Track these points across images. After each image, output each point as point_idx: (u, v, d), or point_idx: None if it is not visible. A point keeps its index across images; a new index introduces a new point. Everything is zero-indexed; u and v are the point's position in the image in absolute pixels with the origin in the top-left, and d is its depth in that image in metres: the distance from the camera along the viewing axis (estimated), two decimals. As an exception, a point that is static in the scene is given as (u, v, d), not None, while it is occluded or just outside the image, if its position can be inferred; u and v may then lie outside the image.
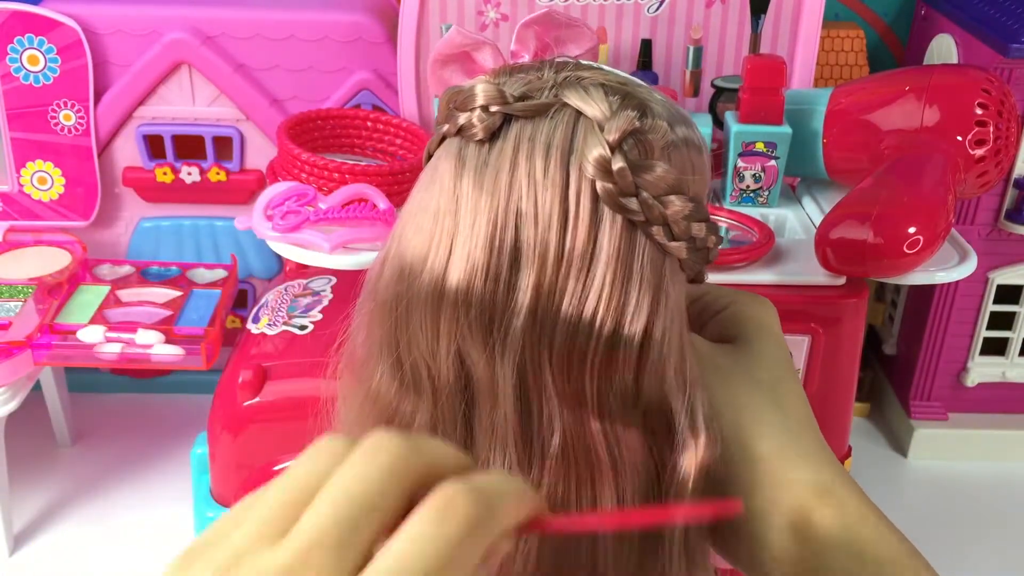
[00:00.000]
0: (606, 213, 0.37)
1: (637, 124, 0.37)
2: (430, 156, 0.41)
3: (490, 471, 0.29)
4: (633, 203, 0.37)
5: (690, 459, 0.39)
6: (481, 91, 0.38)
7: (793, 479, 0.40)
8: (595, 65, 0.40)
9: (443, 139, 0.40)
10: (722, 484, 0.40)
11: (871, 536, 0.39)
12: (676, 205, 0.38)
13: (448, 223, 0.37)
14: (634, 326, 0.37)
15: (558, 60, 0.40)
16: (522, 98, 0.38)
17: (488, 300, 0.37)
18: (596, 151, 0.36)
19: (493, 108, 0.38)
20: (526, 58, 0.40)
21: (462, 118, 0.38)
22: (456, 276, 0.37)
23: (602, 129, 0.37)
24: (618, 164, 0.36)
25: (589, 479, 0.38)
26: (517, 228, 0.37)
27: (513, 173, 0.37)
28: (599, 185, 0.36)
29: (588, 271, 0.37)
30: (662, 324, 0.38)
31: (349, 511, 0.25)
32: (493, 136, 0.38)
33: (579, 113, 0.37)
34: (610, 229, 0.37)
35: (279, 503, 0.27)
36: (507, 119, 0.38)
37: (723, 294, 0.47)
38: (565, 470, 0.38)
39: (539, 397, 0.37)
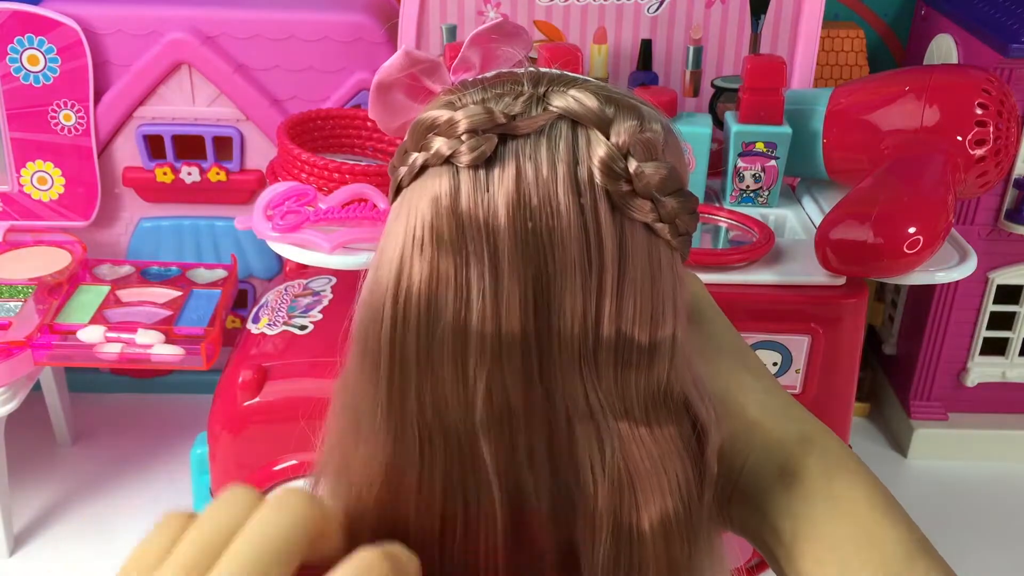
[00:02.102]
0: (623, 220, 0.36)
1: (638, 125, 0.36)
2: (400, 189, 0.38)
3: (390, 545, 0.32)
4: (648, 205, 0.36)
5: (713, 445, 0.39)
6: (466, 114, 0.36)
7: (782, 435, 0.42)
8: (568, 74, 0.39)
9: (421, 170, 0.37)
10: (724, 454, 0.41)
11: (848, 478, 0.41)
12: (679, 202, 0.37)
13: (453, 257, 0.35)
14: (667, 327, 0.37)
15: (530, 71, 0.38)
16: (514, 116, 0.36)
17: (522, 332, 0.35)
18: (605, 158, 0.35)
19: (485, 130, 0.35)
20: (476, 68, 0.39)
21: (447, 145, 0.36)
22: (479, 313, 0.35)
23: (607, 135, 0.36)
24: (633, 166, 0.36)
25: (637, 492, 0.37)
26: (539, 251, 0.35)
27: (520, 194, 0.35)
28: (613, 191, 0.35)
29: (619, 280, 0.36)
30: (682, 321, 0.38)
31: (261, 556, 0.29)
32: (489, 160, 0.35)
33: (575, 123, 0.36)
34: (631, 234, 0.36)
35: (196, 548, 0.30)
36: (502, 140, 0.35)
37: None
38: (620, 488, 0.37)
39: (587, 420, 0.36)
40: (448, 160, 0.36)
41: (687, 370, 0.39)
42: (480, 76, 0.40)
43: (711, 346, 0.44)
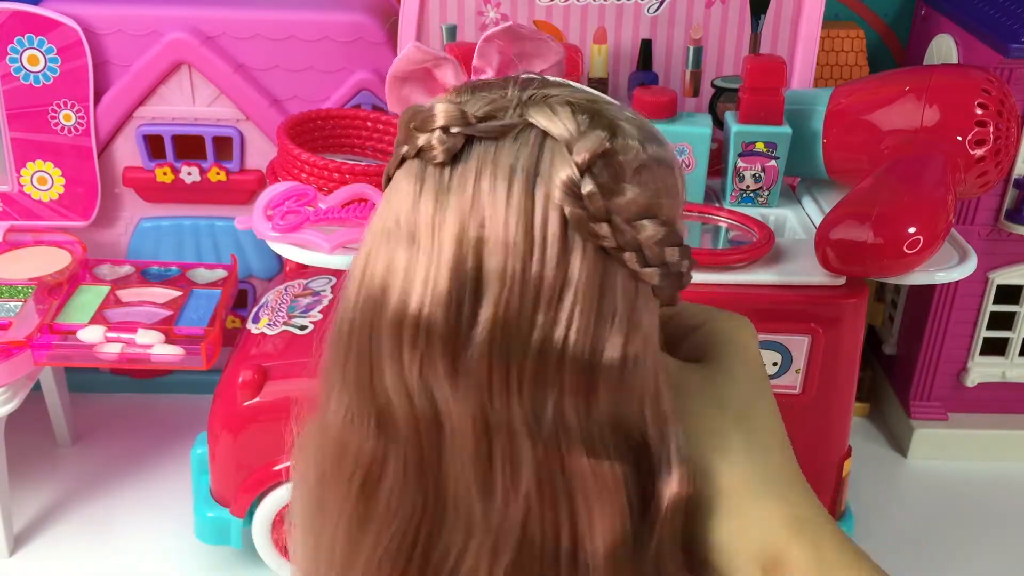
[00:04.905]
0: (576, 239, 0.35)
1: (607, 144, 0.35)
2: (389, 179, 0.39)
3: None
4: (604, 229, 0.35)
5: (667, 492, 0.37)
6: (442, 111, 0.36)
7: (762, 513, 0.38)
8: (562, 82, 0.39)
9: (403, 161, 0.38)
10: (691, 516, 0.38)
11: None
12: (649, 230, 0.36)
13: (408, 249, 0.36)
14: (606, 356, 0.36)
15: (523, 77, 0.38)
16: (485, 118, 0.36)
17: (450, 330, 0.35)
18: (564, 174, 0.35)
19: (454, 129, 0.36)
20: (489, 74, 0.39)
21: (422, 139, 0.36)
22: (417, 304, 0.35)
23: (570, 151, 0.35)
24: (588, 187, 0.34)
25: (567, 513, 0.36)
26: (481, 256, 0.35)
27: (476, 198, 0.35)
28: (568, 210, 0.35)
29: (558, 300, 0.35)
30: (635, 353, 0.36)
31: None
32: (455, 159, 0.36)
33: (545, 134, 0.35)
34: (580, 256, 0.35)
35: None
36: (469, 140, 0.36)
37: (698, 312, 0.44)
38: (539, 506, 0.36)
39: (504, 430, 0.36)
40: (420, 154, 0.36)
41: (650, 405, 0.37)
42: (486, 78, 0.40)
43: (707, 395, 0.41)
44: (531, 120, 0.36)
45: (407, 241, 0.36)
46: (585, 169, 0.35)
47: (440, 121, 0.36)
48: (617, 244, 0.35)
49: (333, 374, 0.39)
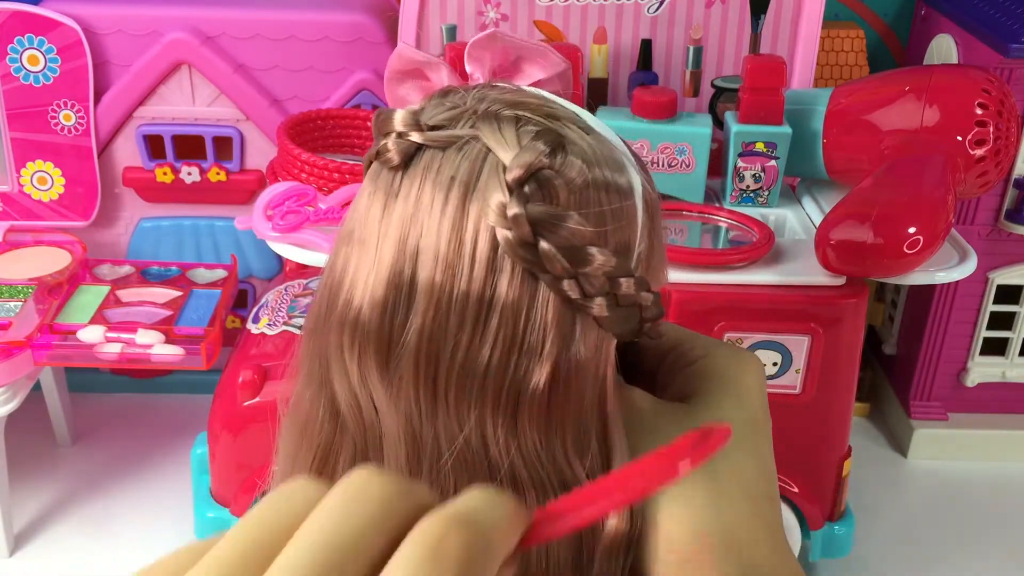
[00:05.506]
0: (505, 261, 0.34)
1: (544, 161, 0.34)
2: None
3: (474, 493, 0.24)
4: (533, 253, 0.34)
5: (605, 527, 0.36)
6: (399, 116, 0.36)
7: (711, 573, 0.35)
8: (537, 95, 0.37)
9: (368, 164, 0.38)
10: (641, 560, 0.37)
11: None
12: (597, 259, 0.34)
13: (358, 250, 0.36)
14: (531, 384, 0.35)
15: (491, 86, 0.37)
16: (437, 127, 0.35)
17: (383, 335, 0.35)
18: (496, 193, 0.34)
19: (405, 135, 0.35)
20: (479, 78, 0.38)
21: (380, 142, 0.36)
22: (357, 305, 0.35)
23: (505, 168, 0.34)
24: (514, 210, 0.33)
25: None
26: (415, 265, 0.34)
27: (416, 206, 0.35)
28: (497, 231, 0.34)
29: (484, 320, 0.34)
30: (566, 384, 0.35)
31: (329, 554, 0.22)
32: (406, 164, 0.35)
33: (489, 148, 0.35)
34: (508, 278, 0.34)
35: (244, 546, 0.22)
36: (420, 148, 0.35)
37: (698, 345, 0.42)
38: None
39: (430, 442, 0.35)
40: (378, 157, 0.37)
41: (585, 441, 0.36)
42: (467, 84, 0.40)
43: (677, 435, 0.39)
44: (477, 133, 0.35)
45: (358, 242, 0.36)
46: (515, 188, 0.33)
47: (394, 126, 0.36)
48: (547, 270, 0.34)
49: (303, 363, 0.39)
